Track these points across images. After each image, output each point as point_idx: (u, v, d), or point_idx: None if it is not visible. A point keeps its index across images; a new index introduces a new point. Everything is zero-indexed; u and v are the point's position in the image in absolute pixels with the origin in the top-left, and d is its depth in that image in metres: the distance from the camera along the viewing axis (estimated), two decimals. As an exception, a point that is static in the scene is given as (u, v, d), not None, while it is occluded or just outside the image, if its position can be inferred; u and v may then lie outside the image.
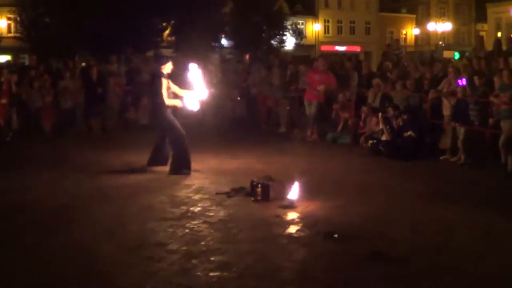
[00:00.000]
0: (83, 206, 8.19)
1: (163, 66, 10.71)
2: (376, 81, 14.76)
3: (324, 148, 14.00)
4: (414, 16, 71.46)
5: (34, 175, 10.37)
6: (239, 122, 16.91)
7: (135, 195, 8.90)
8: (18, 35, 36.15)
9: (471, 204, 8.46)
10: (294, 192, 8.21)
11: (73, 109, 16.47)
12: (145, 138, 11.93)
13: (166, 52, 29.89)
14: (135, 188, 9.44)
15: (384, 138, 13.02)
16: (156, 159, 10.97)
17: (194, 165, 10.81)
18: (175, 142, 10.63)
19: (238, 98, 17.23)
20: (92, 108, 16.39)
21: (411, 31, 71.26)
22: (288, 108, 16.80)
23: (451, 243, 6.69)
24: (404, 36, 69.71)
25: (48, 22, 32.38)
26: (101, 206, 8.17)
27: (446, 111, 12.43)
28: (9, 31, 43.60)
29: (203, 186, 9.52)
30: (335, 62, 17.97)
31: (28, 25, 34.09)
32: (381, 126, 13.20)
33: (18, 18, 36.01)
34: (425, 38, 71.09)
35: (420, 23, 70.75)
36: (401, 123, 12.72)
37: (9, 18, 42.85)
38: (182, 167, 10.54)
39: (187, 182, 9.87)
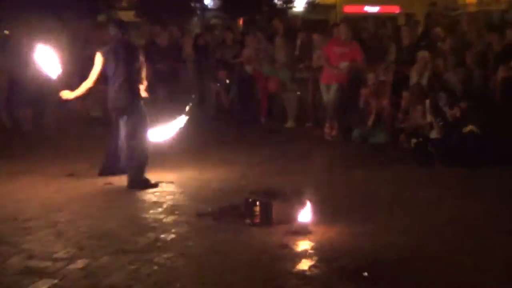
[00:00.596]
0: (7, 232, 8.15)
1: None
2: (422, 54, 14.79)
3: (348, 149, 14.06)
4: (477, -39, 71.74)
5: None
6: (229, 113, 16.94)
7: (82, 217, 8.89)
8: None
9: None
10: (306, 212, 8.20)
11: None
12: (96, 136, 11.94)
13: (126, 15, 29.91)
14: (82, 207, 9.43)
15: (434, 135, 13.04)
16: (111, 165, 11.07)
17: (166, 174, 10.83)
18: (139, 145, 10.67)
19: (227, 81, 17.22)
20: (20, 93, 16.36)
21: (472, -16, 71.47)
22: (297, 93, 16.83)
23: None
24: (462, -10, 69.93)
25: None
26: (33, 232, 8.15)
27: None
28: None
29: (179, 204, 9.55)
30: (364, 28, 18.02)
31: None
32: (429, 118, 13.22)
33: None
34: (493, -7, 71.34)
35: (484, -28, 71.02)
36: (458, 114, 12.73)
37: None
38: (146, 178, 10.64)
39: (155, 198, 9.89)
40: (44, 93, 16.58)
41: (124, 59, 10.73)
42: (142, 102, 10.91)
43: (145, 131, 10.79)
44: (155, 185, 10.50)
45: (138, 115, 10.76)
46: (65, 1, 20.89)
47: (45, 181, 10.94)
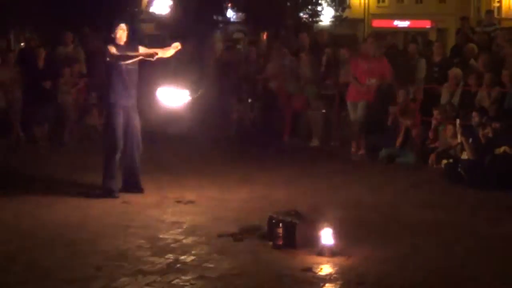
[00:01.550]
0: (24, 252, 8.23)
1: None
2: (454, 72, 14.84)
3: (376, 169, 14.07)
4: (512, -24, 71.52)
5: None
6: (252, 131, 16.99)
7: (99, 236, 8.98)
8: None
9: None
10: (330, 235, 8.26)
11: (7, 110, 16.57)
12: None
13: (147, 28, 30.11)
14: (99, 226, 9.52)
15: (465, 156, 13.07)
16: (129, 182, 11.40)
17: (186, 194, 10.95)
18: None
19: (250, 100, 17.27)
20: (36, 109, 16.54)
21: (507, -1, 71.28)
22: (323, 111, 16.89)
23: None
24: (497, 4, 69.74)
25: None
26: (49, 252, 8.22)
27: None
28: None
29: (199, 224, 9.59)
30: (393, 44, 18.10)
31: None
32: (460, 138, 13.26)
33: None
34: (529, 9, 71.10)
35: (521, -14, 70.77)
36: (490, 135, 12.74)
37: None
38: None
39: (175, 218, 9.95)
40: (61, 109, 16.83)
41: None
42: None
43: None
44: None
45: None
46: (84, 16, 21.06)
47: (63, 199, 11.03)
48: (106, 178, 11.27)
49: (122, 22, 11.66)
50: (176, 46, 11.46)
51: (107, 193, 11.16)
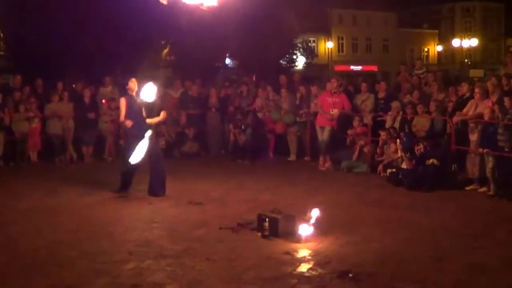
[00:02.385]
0: (74, 242, 8.23)
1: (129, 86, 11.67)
2: (395, 104, 14.88)
3: (338, 177, 14.04)
4: (437, 31, 71.94)
5: (17, 206, 10.52)
6: (245, 150, 16.96)
7: (130, 229, 8.98)
8: (1, 53, 36.31)
9: (504, 240, 8.46)
10: (305, 226, 8.24)
11: (62, 135, 16.55)
12: (143, 166, 11.98)
13: (166, 72, 30.12)
14: (131, 221, 9.55)
15: (404, 166, 13.07)
16: (153, 187, 11.47)
17: (195, 197, 10.96)
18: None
19: (242, 127, 17.27)
20: (84, 134, 16.57)
21: (433, 48, 71.66)
22: (298, 134, 16.88)
23: (478, 282, 6.69)
24: (426, 53, 70.21)
25: (34, 39, 32.57)
26: (94, 242, 8.21)
27: (473, 136, 12.44)
28: (-11, 48, 43.72)
29: (205, 220, 9.56)
30: (350, 83, 18.11)
31: (12, 42, 34.25)
32: (400, 153, 13.27)
33: (0, 35, 36.20)
34: (449, 56, 71.48)
35: (443, 39, 71.17)
36: (422, 150, 12.75)
37: (-10, 34, 42.99)
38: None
39: (188, 216, 9.94)
40: (102, 134, 16.83)
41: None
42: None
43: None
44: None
45: None
46: (118, 61, 21.09)
47: (102, 202, 11.02)
48: (122, 183, 11.66)
49: (134, 77, 11.93)
50: (163, 113, 11.93)
51: (123, 189, 11.60)
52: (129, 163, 11.18)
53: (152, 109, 11.59)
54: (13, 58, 33.60)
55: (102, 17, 25.16)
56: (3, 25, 34.63)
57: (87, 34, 24.64)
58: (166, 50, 34.74)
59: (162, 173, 11.58)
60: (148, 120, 11.50)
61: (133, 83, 11.63)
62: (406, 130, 13.92)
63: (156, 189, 11.45)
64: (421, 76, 17.26)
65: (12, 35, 33.49)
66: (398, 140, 13.43)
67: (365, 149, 14.75)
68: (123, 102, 11.60)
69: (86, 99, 16.78)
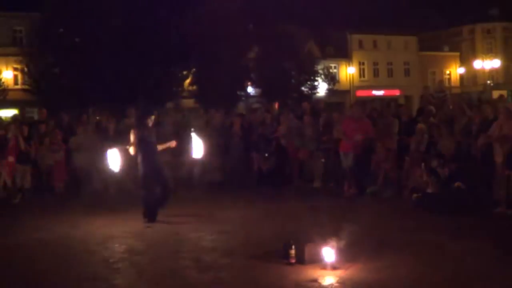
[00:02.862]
0: (102, 274, 8.23)
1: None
2: (419, 127, 14.80)
3: (363, 203, 13.94)
4: (458, 54, 71.67)
5: (44, 238, 10.55)
6: (269, 176, 16.94)
7: (155, 259, 8.98)
8: (26, 87, 36.79)
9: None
10: (331, 253, 8.18)
11: (87, 167, 16.63)
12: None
13: (188, 102, 30.28)
14: (157, 251, 9.55)
15: (430, 190, 12.97)
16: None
17: (220, 225, 10.94)
18: None
19: (266, 155, 17.26)
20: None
21: (455, 71, 71.41)
22: (322, 160, 16.85)
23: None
24: (447, 76, 69.92)
25: (58, 73, 32.96)
26: (122, 271, 8.27)
27: (499, 158, 12.36)
28: (15, 83, 44.29)
29: (232, 248, 9.53)
30: (373, 108, 18.10)
31: (37, 76, 34.68)
32: (425, 177, 13.18)
33: (25, 69, 36.69)
34: (471, 78, 71.12)
35: (465, 61, 70.87)
36: (447, 173, 12.65)
37: (15, 69, 43.57)
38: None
39: (214, 244, 9.93)
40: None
41: None
42: None
43: None
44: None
45: None
46: (141, 91, 21.26)
47: (127, 233, 11.03)
48: (148, 212, 11.91)
49: (152, 114, 12.74)
50: (172, 143, 12.50)
51: (150, 216, 11.84)
52: (147, 188, 11.79)
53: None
54: (38, 92, 34.05)
55: (125, 50, 25.45)
56: (28, 60, 35.18)
57: (111, 67, 24.93)
58: (188, 80, 34.98)
59: (159, 196, 11.99)
60: (159, 147, 12.23)
61: (150, 120, 12.35)
62: (431, 153, 13.82)
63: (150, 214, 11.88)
64: (443, 99, 17.22)
65: (38, 70, 33.99)
66: (423, 164, 13.35)
67: (390, 174, 14.67)
68: (132, 134, 12.17)
69: (110, 131, 16.87)
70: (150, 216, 11.80)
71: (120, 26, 28.74)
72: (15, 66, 42.33)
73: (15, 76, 44.49)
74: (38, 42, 34.30)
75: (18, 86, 41.96)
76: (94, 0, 29.96)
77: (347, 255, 8.37)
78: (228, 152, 18.06)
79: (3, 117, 21.09)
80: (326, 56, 58.03)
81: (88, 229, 11.55)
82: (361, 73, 65.78)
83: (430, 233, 10.43)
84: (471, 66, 68.61)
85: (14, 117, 19.17)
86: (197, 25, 30.84)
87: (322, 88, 52.68)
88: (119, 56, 26.04)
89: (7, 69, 44.61)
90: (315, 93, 49.30)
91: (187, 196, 14.21)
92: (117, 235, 10.87)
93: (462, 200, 12.17)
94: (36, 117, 22.22)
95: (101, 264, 8.80)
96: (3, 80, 43.21)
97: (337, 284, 7.46)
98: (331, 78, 55.87)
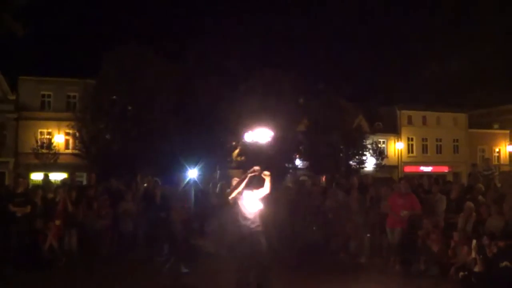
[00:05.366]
0: None
1: None
2: (468, 204, 14.67)
3: (409, 280, 13.78)
4: (508, 132, 70.94)
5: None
6: (315, 250, 16.84)
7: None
8: (76, 151, 37.52)
9: None
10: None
11: (134, 233, 16.77)
12: (213, 267, 11.99)
13: (235, 173, 30.43)
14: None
15: (477, 269, 12.76)
16: None
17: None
18: None
19: (314, 228, 17.21)
20: (155, 233, 16.73)
21: (505, 148, 70.56)
22: (368, 235, 16.73)
23: None
24: (497, 154, 69.12)
25: (109, 139, 33.59)
26: None
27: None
28: (66, 147, 45.14)
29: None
30: (420, 184, 17.99)
31: (87, 141, 35.39)
32: (473, 255, 12.98)
33: (77, 134, 37.50)
34: (521, 155, 70.20)
35: (514, 138, 70.12)
36: (494, 250, 12.46)
37: (67, 134, 44.46)
38: None
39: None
40: (173, 232, 16.98)
41: None
42: None
43: None
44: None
45: None
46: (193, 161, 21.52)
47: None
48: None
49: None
50: (267, 174, 11.36)
51: None
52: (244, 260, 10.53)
53: None
54: (87, 157, 34.67)
55: (176, 119, 25.89)
56: (80, 126, 35.98)
57: (164, 138, 25.34)
58: (236, 151, 35.29)
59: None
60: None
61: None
62: (480, 231, 13.65)
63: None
64: (490, 177, 17.09)
65: (89, 135, 34.68)
66: (474, 241, 13.17)
67: (437, 251, 14.48)
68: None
69: (157, 198, 17.03)
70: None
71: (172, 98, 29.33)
72: (67, 130, 43.22)
73: (67, 141, 45.39)
74: (91, 108, 35.15)
75: (69, 151, 42.83)
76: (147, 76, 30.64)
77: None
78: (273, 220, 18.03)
79: (53, 181, 21.43)
80: (375, 131, 58.06)
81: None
82: (410, 148, 65.45)
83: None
84: (521, 144, 67.87)
85: (63, 181, 19.53)
86: (249, 97, 31.30)
87: (370, 162, 52.56)
88: (169, 126, 26.47)
89: (59, 133, 45.51)
90: (363, 168, 49.22)
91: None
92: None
93: (509, 280, 11.96)
94: (85, 181, 22.60)
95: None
96: (54, 144, 44.13)
97: None
98: (380, 153, 55.73)
